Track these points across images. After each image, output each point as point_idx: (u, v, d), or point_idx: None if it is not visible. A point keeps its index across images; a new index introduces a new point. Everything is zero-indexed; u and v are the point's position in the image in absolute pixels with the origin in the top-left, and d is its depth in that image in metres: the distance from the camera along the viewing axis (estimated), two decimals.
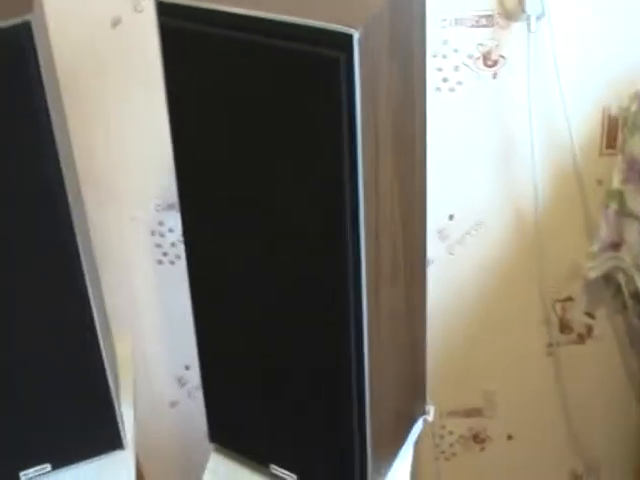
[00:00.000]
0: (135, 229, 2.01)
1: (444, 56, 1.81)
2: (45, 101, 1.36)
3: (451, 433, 2.20)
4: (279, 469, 1.57)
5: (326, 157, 1.24)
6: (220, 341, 1.53)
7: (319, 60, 1.18)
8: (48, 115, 1.37)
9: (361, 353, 1.34)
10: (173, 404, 2.24)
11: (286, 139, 1.27)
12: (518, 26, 1.77)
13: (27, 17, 1.31)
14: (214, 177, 1.39)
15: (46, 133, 1.38)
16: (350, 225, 1.25)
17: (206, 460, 1.68)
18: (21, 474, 1.61)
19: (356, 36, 1.15)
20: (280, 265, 1.38)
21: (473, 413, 2.17)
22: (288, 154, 1.28)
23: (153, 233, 2.01)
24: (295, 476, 1.55)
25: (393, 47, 1.28)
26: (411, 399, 1.63)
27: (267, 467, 1.58)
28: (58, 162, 1.41)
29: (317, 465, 1.52)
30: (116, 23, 1.81)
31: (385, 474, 1.55)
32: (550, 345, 2.08)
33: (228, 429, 1.63)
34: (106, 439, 1.66)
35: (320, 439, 1.48)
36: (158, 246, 2.02)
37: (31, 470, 1.61)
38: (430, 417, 1.68)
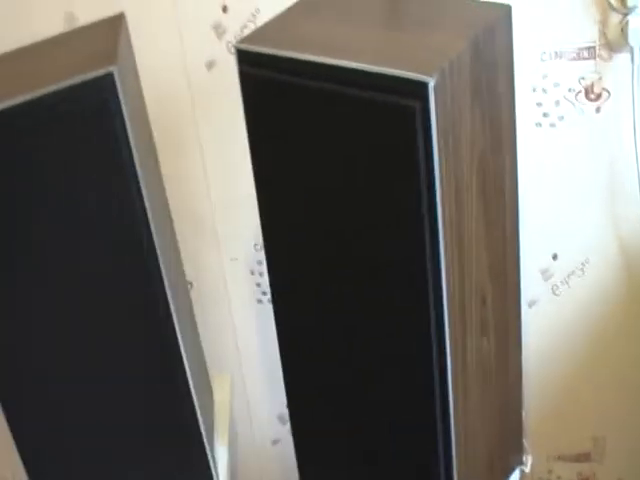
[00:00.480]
0: (235, 269, 2.01)
1: (544, 90, 1.75)
2: (130, 152, 1.37)
3: (559, 478, 2.12)
4: None
5: (404, 207, 1.21)
6: (308, 389, 1.52)
7: (394, 109, 1.15)
8: (134, 167, 1.38)
9: (447, 411, 1.30)
10: (275, 442, 2.23)
11: (363, 188, 1.25)
12: (621, 57, 1.70)
13: (110, 68, 1.32)
14: (294, 220, 1.39)
15: (132, 186, 1.39)
16: (432, 279, 1.22)
17: None
18: None
19: (431, 84, 1.12)
20: (362, 315, 1.35)
21: (582, 458, 2.08)
22: (365, 203, 1.26)
23: (252, 272, 2.00)
24: None
25: (476, 91, 1.23)
26: (506, 451, 1.57)
27: None
28: (145, 213, 1.41)
29: None
30: (211, 65, 1.82)
31: None
32: None
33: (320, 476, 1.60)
34: None
35: None
36: (258, 285, 2.02)
37: None
38: (527, 468, 1.61)
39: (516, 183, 1.42)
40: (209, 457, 1.63)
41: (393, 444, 1.41)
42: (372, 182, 1.23)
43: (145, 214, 1.42)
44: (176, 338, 1.51)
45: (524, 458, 1.62)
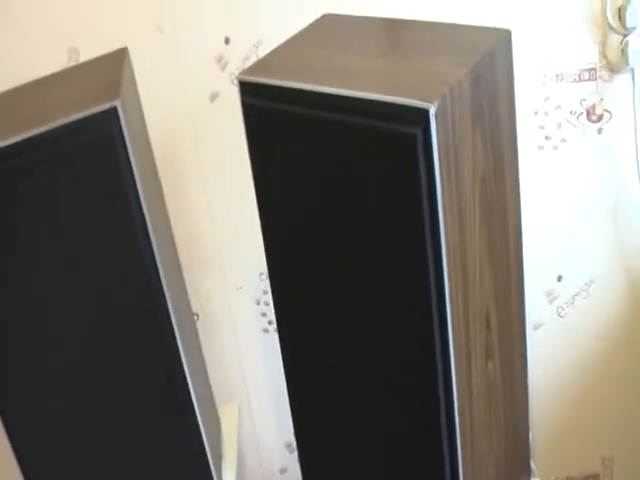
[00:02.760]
0: (241, 298, 2.01)
1: (546, 113, 1.76)
2: (135, 184, 1.37)
3: None
4: None
5: (407, 235, 1.21)
6: (315, 419, 1.52)
7: (396, 137, 1.16)
8: (138, 199, 1.38)
9: (453, 434, 1.29)
10: (283, 470, 2.22)
11: (366, 215, 1.25)
12: (622, 78, 1.71)
13: (114, 102, 1.33)
14: (299, 249, 1.39)
15: (137, 217, 1.39)
16: (436, 306, 1.21)
17: None
18: None
19: (432, 111, 1.12)
20: (366, 343, 1.35)
21: (590, 479, 2.07)
22: (369, 232, 1.26)
23: (258, 302, 2.01)
24: None
25: (476, 117, 1.24)
26: (514, 474, 1.56)
27: None
28: (150, 245, 1.41)
29: None
30: (214, 97, 1.83)
31: None
32: None
33: None
34: None
35: None
36: (263, 315, 2.02)
37: None
38: None
39: (519, 207, 1.42)
40: None
41: (401, 472, 1.40)
42: (375, 209, 1.23)
43: (150, 247, 1.42)
44: (183, 372, 1.51)
45: None
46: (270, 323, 2.02)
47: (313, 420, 1.54)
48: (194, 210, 1.93)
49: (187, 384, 1.52)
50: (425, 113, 1.12)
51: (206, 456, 1.58)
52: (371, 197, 1.23)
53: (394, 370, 1.33)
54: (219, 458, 1.74)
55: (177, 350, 1.49)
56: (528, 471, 1.61)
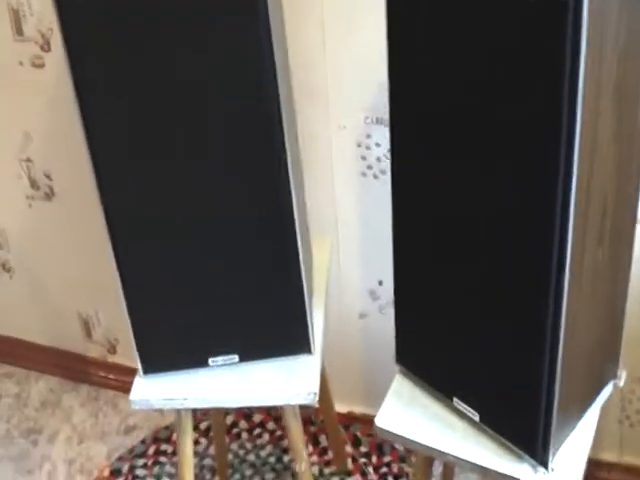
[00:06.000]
0: (343, 138, 1.98)
1: None
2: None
3: None
4: (462, 404, 1.52)
5: (545, 106, 1.17)
6: (416, 264, 1.50)
7: (547, 3, 1.11)
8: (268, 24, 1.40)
9: (559, 306, 1.28)
10: (362, 315, 2.24)
11: (503, 79, 1.22)
12: None
13: None
14: (426, 99, 1.36)
15: (265, 41, 1.41)
16: (563, 176, 1.19)
17: (389, 377, 1.65)
18: (210, 360, 1.68)
19: None
20: (483, 200, 1.32)
21: None
22: (503, 96, 1.23)
23: (359, 145, 1.98)
24: (477, 415, 1.51)
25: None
26: (604, 361, 1.55)
27: (450, 400, 1.54)
28: (274, 70, 1.44)
29: (501, 410, 1.47)
30: None
31: (568, 434, 1.49)
32: None
33: (415, 355, 1.60)
34: (296, 342, 1.70)
35: (508, 385, 1.42)
36: (363, 158, 1.99)
37: (219, 358, 1.68)
38: (621, 382, 1.59)
39: None
40: (308, 320, 1.67)
41: (500, 332, 1.39)
42: (513, 74, 1.20)
43: (274, 75, 1.44)
44: (290, 197, 1.54)
45: (619, 372, 1.60)
46: (369, 168, 2.00)
47: (414, 268, 1.52)
48: (309, 47, 1.89)
49: (292, 210, 1.55)
50: None
51: (302, 286, 1.63)
52: (511, 61, 1.19)
53: (509, 239, 1.31)
54: (311, 289, 1.78)
55: (287, 176, 1.52)
56: (616, 363, 1.61)
